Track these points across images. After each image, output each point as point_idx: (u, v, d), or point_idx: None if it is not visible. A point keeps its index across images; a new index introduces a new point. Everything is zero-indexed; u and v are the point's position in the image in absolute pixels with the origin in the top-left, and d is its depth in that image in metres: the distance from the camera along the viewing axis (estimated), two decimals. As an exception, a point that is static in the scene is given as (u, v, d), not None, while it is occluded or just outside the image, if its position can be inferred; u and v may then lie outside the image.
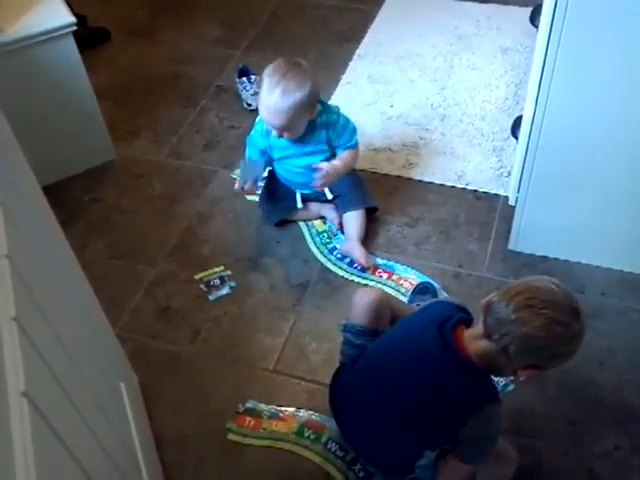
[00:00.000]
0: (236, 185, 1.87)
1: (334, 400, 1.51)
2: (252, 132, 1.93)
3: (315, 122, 1.84)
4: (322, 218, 2.03)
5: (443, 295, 1.79)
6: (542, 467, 1.50)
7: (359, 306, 1.53)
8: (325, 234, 2.00)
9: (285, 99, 1.71)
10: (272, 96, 1.72)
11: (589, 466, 1.50)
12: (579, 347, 1.23)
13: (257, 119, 1.92)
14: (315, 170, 1.86)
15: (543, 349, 1.20)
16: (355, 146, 1.92)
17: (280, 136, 1.82)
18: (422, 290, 1.79)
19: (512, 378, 1.55)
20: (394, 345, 1.43)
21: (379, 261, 1.91)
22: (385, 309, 1.53)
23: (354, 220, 1.93)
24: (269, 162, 1.95)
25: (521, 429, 1.55)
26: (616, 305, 1.77)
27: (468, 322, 1.33)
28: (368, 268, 1.87)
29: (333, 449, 1.54)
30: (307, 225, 2.02)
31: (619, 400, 1.60)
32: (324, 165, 1.85)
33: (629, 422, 1.56)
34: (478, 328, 1.26)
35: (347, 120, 1.90)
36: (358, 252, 1.87)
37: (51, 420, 0.74)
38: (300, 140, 1.85)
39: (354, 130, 1.91)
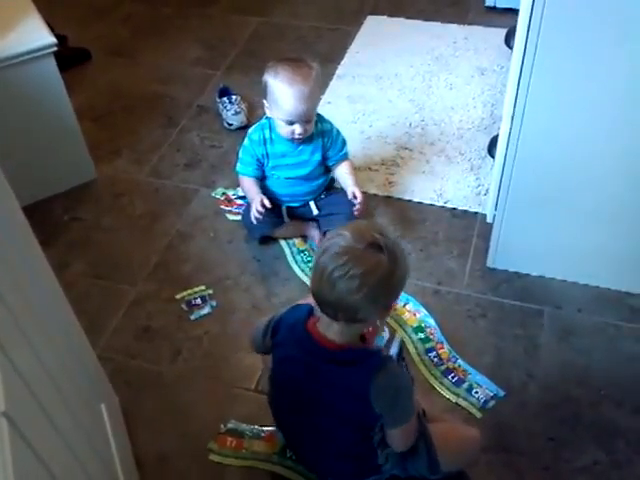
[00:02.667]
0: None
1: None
2: (246, 143, 1.96)
3: (312, 131, 1.91)
4: (304, 237, 2.04)
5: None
6: (523, 483, 1.51)
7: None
8: (306, 252, 2.00)
9: (309, 81, 1.80)
10: (296, 83, 1.79)
11: (569, 481, 1.51)
12: (405, 269, 1.23)
13: (250, 130, 1.96)
14: (305, 181, 1.95)
15: (379, 297, 1.20)
16: (347, 156, 2.00)
17: (300, 135, 1.85)
18: None
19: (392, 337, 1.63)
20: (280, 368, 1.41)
21: None
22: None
23: None
24: (261, 176, 1.97)
25: (502, 445, 1.56)
26: (593, 321, 1.80)
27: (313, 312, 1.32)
28: None
29: (315, 468, 1.54)
30: (288, 244, 2.03)
31: (598, 416, 1.61)
32: (357, 192, 1.90)
33: (608, 437, 1.58)
34: (323, 315, 1.26)
35: (339, 131, 1.98)
36: None
37: (31, 440, 0.74)
38: (298, 147, 1.92)
39: (345, 141, 1.99)
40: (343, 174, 1.98)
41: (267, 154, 1.93)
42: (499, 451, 1.55)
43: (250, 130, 1.97)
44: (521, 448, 1.56)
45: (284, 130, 1.86)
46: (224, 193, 2.20)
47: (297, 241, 2.03)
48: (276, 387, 1.45)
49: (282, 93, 1.80)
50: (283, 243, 2.03)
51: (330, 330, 1.26)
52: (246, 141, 1.96)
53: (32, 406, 0.83)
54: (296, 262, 1.98)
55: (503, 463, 1.53)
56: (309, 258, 1.99)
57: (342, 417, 1.31)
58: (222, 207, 2.15)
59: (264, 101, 1.89)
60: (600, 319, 1.80)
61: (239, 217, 2.09)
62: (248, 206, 2.05)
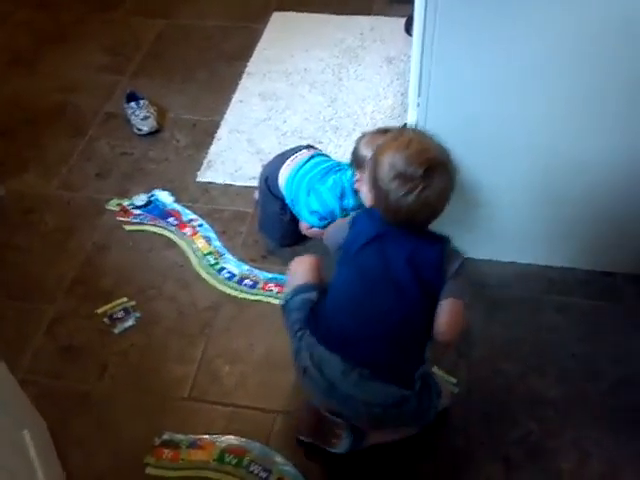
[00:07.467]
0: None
1: (325, 333, 1.43)
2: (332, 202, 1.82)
3: None
4: None
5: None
6: (461, 459, 1.54)
7: (302, 269, 1.55)
8: (211, 255, 1.97)
9: None
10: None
11: (505, 453, 1.54)
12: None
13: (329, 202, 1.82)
14: None
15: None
16: None
17: None
18: None
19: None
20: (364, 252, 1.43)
21: (268, 275, 1.92)
22: (321, 271, 1.56)
23: None
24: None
25: (435, 422, 1.58)
26: (515, 296, 1.84)
27: None
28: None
29: (256, 471, 1.52)
30: (192, 248, 1.99)
31: (526, 387, 1.66)
32: None
33: (538, 407, 1.62)
34: None
35: None
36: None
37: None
38: None
39: None
40: None
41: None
42: (435, 431, 1.57)
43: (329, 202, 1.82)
44: (456, 427, 1.59)
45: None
46: (119, 204, 2.12)
47: (201, 245, 1.99)
48: (356, 273, 1.43)
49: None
50: (187, 249, 1.99)
51: None
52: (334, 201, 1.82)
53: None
54: (202, 266, 1.94)
55: (440, 443, 1.55)
56: (215, 261, 1.95)
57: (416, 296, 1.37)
58: (119, 219, 2.08)
59: (356, 173, 1.72)
60: (522, 294, 1.85)
61: (138, 227, 2.05)
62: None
